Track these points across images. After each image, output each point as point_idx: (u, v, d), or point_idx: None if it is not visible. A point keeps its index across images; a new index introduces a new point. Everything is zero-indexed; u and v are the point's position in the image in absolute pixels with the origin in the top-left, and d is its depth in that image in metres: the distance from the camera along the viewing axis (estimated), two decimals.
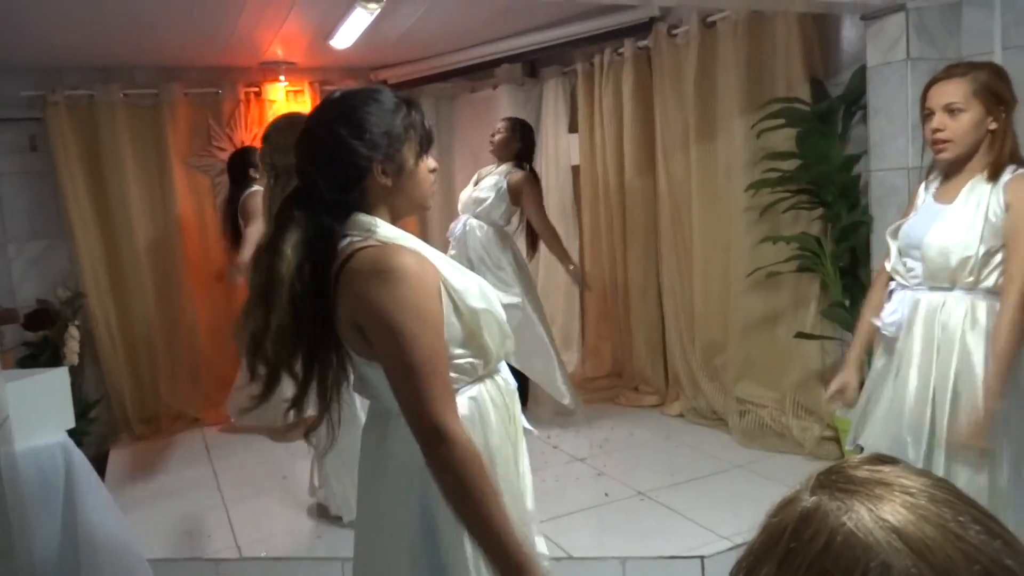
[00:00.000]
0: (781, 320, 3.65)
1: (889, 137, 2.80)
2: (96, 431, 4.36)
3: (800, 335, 3.41)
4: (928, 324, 2.06)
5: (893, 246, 2.20)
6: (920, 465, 1.99)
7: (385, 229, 1.38)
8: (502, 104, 4.90)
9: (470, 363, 1.41)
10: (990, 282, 1.99)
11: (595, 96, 4.62)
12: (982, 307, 2.01)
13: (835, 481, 0.58)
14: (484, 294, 1.43)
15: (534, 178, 4.10)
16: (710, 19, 3.73)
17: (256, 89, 4.88)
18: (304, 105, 4.96)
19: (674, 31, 3.98)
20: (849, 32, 3.30)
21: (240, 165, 4.32)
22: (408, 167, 1.41)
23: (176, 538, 3.15)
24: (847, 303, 3.25)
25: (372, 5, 3.29)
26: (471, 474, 1.27)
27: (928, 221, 2.08)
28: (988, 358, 1.98)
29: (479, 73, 4.99)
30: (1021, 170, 1.97)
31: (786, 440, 3.58)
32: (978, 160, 2.03)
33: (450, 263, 1.44)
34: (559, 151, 4.86)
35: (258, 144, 3.87)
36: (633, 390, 4.59)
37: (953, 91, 1.98)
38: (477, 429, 1.39)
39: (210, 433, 4.50)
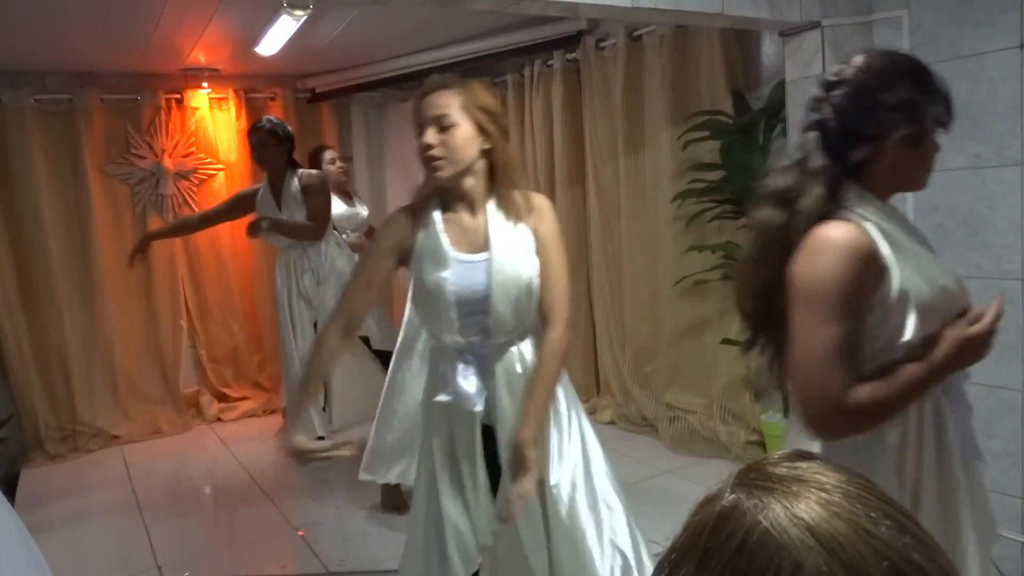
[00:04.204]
0: (708, 327, 3.73)
1: None
2: (6, 451, 4.15)
3: (726, 341, 3.49)
4: None
5: None
6: None
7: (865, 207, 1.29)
8: None
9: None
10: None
11: (525, 107, 4.64)
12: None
13: (754, 479, 0.58)
14: None
15: None
16: (636, 33, 3.81)
17: (178, 96, 4.74)
18: (228, 113, 4.84)
19: (602, 44, 4.04)
20: (769, 48, 3.41)
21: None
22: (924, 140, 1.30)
23: (91, 561, 3.01)
24: None
25: (298, 12, 3.24)
26: None
27: None
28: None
29: (409, 83, 4.97)
30: None
31: (714, 445, 3.65)
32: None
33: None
34: None
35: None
36: None
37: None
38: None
39: (130, 451, 4.34)
